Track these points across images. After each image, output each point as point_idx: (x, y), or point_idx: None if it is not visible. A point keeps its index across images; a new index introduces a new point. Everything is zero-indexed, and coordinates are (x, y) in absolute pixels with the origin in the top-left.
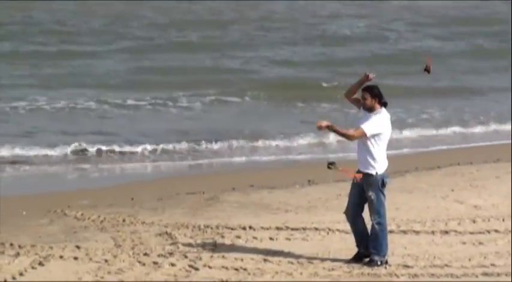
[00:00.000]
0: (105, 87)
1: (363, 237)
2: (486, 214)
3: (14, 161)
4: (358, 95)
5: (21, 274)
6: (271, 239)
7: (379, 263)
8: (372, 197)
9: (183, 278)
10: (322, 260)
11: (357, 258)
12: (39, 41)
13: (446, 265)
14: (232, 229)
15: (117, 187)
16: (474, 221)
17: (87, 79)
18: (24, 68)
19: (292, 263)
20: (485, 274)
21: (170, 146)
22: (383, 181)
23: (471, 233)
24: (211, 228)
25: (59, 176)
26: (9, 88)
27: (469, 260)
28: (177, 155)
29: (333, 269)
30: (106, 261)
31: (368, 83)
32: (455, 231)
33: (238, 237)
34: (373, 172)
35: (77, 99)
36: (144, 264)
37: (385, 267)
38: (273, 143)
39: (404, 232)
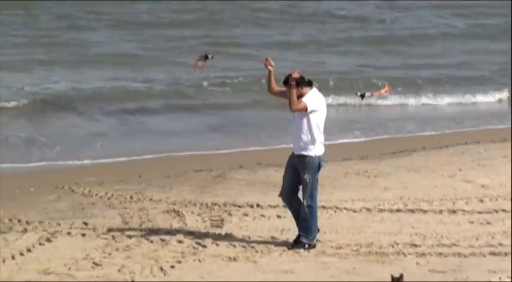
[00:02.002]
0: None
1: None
2: (494, 193)
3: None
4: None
5: (28, 250)
6: (278, 216)
7: (306, 246)
8: (307, 179)
9: (191, 256)
10: (330, 238)
11: (295, 243)
12: None
13: (453, 244)
14: (239, 207)
15: (124, 164)
16: (481, 201)
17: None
18: None
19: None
20: (492, 253)
21: (177, 124)
22: (319, 164)
23: (479, 212)
24: (219, 205)
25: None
26: None
27: (477, 239)
28: (183, 132)
29: (340, 247)
30: (113, 237)
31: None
32: (463, 210)
33: (246, 215)
34: (311, 154)
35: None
36: (151, 241)
37: (393, 246)
38: None
39: (412, 211)
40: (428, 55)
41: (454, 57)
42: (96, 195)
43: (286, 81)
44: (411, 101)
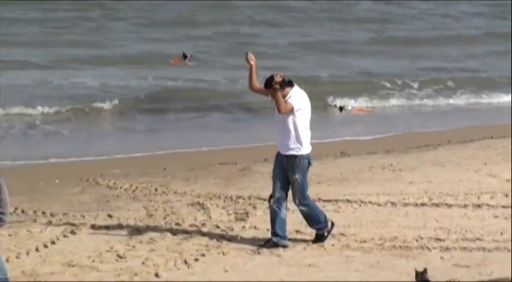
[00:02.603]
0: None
1: (280, 225)
2: None
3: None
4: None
5: (53, 242)
6: None
7: (326, 234)
8: (298, 179)
9: (215, 249)
10: (354, 232)
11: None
12: None
13: (478, 239)
14: (264, 200)
15: (149, 157)
16: (506, 195)
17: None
18: None
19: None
20: None
21: (202, 117)
22: (309, 162)
23: (503, 206)
24: (243, 198)
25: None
26: None
27: (501, 233)
28: (208, 126)
29: (364, 241)
30: (138, 230)
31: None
32: (488, 205)
33: None
34: (299, 153)
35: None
36: (175, 234)
37: (417, 240)
38: None
39: (437, 205)
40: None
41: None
42: (121, 187)
43: (267, 84)
44: (440, 100)
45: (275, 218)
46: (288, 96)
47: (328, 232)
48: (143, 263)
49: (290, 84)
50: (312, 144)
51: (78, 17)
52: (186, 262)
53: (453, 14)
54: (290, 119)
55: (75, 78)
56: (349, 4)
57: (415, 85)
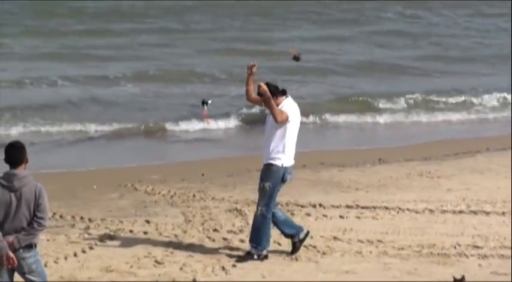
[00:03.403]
0: None
1: (287, 223)
2: None
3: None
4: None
5: (91, 248)
6: (341, 217)
7: (255, 256)
8: (267, 187)
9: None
10: (392, 239)
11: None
12: None
13: None
14: (302, 206)
15: (187, 163)
16: None
17: None
18: None
19: (361, 241)
20: None
21: (240, 124)
22: (284, 175)
23: None
24: (282, 205)
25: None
26: None
27: None
28: (246, 132)
29: (402, 248)
30: (176, 236)
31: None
32: None
33: (308, 214)
34: (278, 163)
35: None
36: (213, 240)
37: (455, 247)
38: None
39: (475, 213)
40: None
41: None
42: (159, 193)
43: (261, 93)
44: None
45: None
46: (280, 106)
47: (258, 256)
48: (181, 268)
49: (283, 93)
50: (350, 151)
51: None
52: (223, 268)
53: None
54: (280, 129)
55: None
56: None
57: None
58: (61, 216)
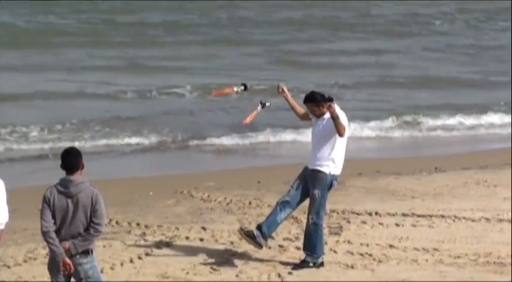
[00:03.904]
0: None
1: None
2: None
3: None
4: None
5: (147, 254)
6: (397, 225)
7: (311, 264)
8: (317, 195)
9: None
10: (448, 247)
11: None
12: None
13: None
14: (358, 214)
15: (244, 170)
16: None
17: None
18: None
19: (417, 249)
20: None
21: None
22: (332, 182)
23: None
24: (337, 213)
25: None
26: None
27: None
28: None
29: (458, 257)
30: (232, 243)
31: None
32: None
33: (364, 222)
34: (326, 171)
35: None
36: (269, 247)
37: (511, 256)
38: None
39: None
40: None
41: None
42: (215, 200)
43: (307, 100)
44: None
45: (271, 215)
46: (328, 115)
47: (314, 264)
48: (237, 275)
49: (330, 100)
50: (406, 159)
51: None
52: (279, 275)
53: None
54: (334, 137)
55: None
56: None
57: None
58: (117, 223)
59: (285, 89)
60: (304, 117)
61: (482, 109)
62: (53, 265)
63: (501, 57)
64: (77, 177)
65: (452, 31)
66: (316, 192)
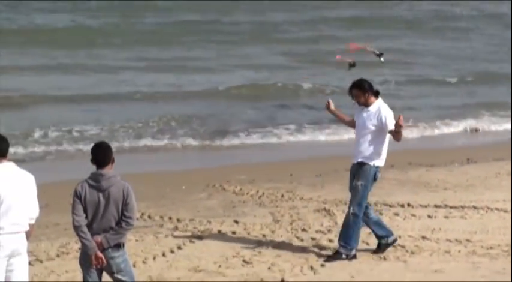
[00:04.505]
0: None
1: (380, 225)
2: None
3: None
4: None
5: (179, 247)
6: (429, 216)
7: (344, 256)
8: (359, 186)
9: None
10: (480, 238)
11: (332, 256)
12: None
13: None
14: (390, 206)
15: (275, 163)
16: None
17: None
18: None
19: (450, 241)
20: None
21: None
22: (375, 174)
23: None
24: (370, 205)
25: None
26: None
27: None
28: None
29: (491, 248)
30: (264, 236)
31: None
32: None
33: (397, 214)
34: (371, 162)
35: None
36: (302, 240)
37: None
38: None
39: None
40: None
41: None
42: (247, 193)
43: (354, 86)
44: None
45: (380, 225)
46: (376, 108)
47: (347, 256)
48: (269, 268)
49: (377, 94)
50: (438, 150)
51: None
52: (312, 268)
53: None
54: (381, 132)
55: None
56: None
57: None
58: (149, 217)
59: (332, 105)
60: (351, 124)
61: None
62: (85, 259)
63: None
64: (107, 171)
65: None
66: (360, 183)
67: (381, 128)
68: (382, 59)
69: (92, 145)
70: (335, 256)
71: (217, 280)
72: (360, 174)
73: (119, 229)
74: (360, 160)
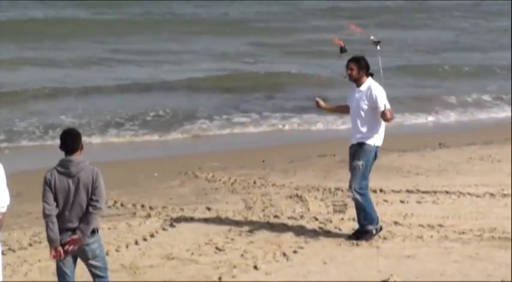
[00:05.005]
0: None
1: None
2: None
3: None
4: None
5: (152, 235)
6: (401, 201)
7: (374, 231)
8: (360, 166)
9: (313, 241)
10: (453, 223)
11: (358, 235)
12: None
13: None
14: None
15: (248, 150)
16: None
17: None
18: None
19: (422, 226)
20: None
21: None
22: (376, 153)
23: None
24: (342, 190)
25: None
26: None
27: None
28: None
29: (463, 233)
30: (236, 223)
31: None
32: None
33: None
34: (371, 143)
35: None
36: (274, 227)
37: None
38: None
39: None
40: None
41: None
42: (220, 180)
43: (352, 60)
44: None
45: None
46: (366, 87)
47: (376, 230)
48: (242, 255)
49: (371, 75)
50: (411, 135)
51: None
52: (284, 254)
53: None
54: (372, 110)
55: None
56: None
57: None
58: (122, 205)
59: (321, 102)
60: (346, 109)
61: None
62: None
63: None
64: (76, 157)
65: None
66: (360, 163)
67: (374, 107)
68: (378, 47)
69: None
70: (365, 235)
71: (190, 267)
72: (361, 154)
73: (88, 216)
74: (360, 141)
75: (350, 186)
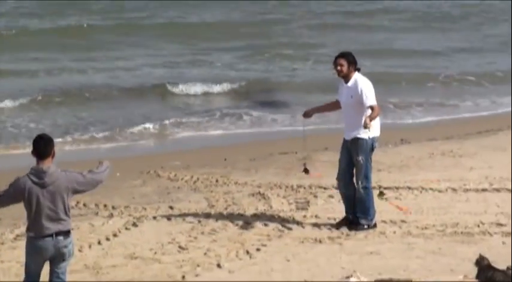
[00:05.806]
0: None
1: (353, 203)
2: None
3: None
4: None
5: (114, 235)
6: None
7: (365, 226)
8: (361, 161)
9: (276, 238)
10: (415, 218)
11: (343, 223)
12: None
13: None
14: (325, 189)
15: (210, 148)
16: None
17: None
18: None
19: (385, 222)
20: None
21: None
22: (372, 145)
23: None
24: (304, 187)
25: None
26: None
27: None
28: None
29: (425, 228)
30: (199, 221)
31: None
32: None
33: (331, 196)
34: (365, 136)
35: None
36: (237, 225)
37: (478, 225)
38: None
39: (498, 190)
40: None
41: None
42: (182, 179)
43: (340, 55)
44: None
45: (347, 201)
46: (353, 81)
47: (368, 226)
48: (205, 254)
49: (358, 70)
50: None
51: None
52: (247, 252)
53: None
54: (362, 104)
55: None
56: None
57: None
58: (84, 205)
59: (306, 111)
60: (336, 105)
61: None
62: (31, 247)
63: None
64: (48, 165)
65: None
66: (360, 158)
67: (361, 102)
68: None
69: (35, 137)
70: (356, 227)
71: (153, 267)
72: (358, 149)
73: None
74: (355, 136)
75: (337, 179)
